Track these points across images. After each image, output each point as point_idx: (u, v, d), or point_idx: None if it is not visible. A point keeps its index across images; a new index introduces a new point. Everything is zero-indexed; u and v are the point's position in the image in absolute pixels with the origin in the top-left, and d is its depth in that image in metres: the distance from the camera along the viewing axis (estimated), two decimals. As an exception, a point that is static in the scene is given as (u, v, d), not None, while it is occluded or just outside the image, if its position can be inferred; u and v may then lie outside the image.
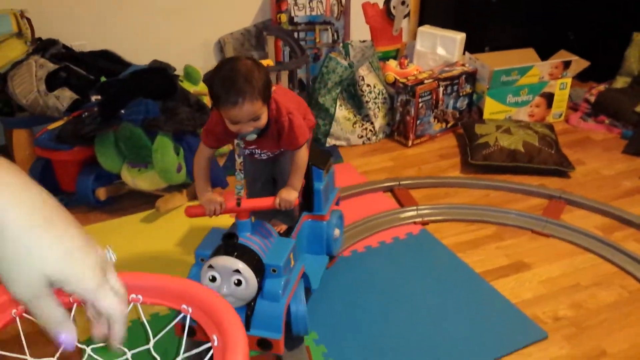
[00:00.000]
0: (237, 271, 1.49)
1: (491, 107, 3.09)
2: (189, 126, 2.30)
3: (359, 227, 2.34)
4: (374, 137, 3.08)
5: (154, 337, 0.86)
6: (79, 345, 0.99)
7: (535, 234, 2.34)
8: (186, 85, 2.54)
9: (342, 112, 2.99)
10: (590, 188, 2.66)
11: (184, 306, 0.83)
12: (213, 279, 1.50)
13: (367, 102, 3.00)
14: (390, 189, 2.64)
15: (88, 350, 0.91)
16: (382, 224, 2.37)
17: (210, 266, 1.51)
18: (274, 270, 1.58)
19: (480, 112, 3.13)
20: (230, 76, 1.44)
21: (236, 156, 1.63)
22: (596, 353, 1.78)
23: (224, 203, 1.61)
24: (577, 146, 3.04)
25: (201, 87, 2.67)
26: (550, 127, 2.97)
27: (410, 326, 1.86)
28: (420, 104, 2.95)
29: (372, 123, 3.05)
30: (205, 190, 1.66)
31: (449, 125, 3.15)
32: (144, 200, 2.48)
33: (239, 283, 1.50)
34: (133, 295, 0.90)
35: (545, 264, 2.17)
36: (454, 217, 2.44)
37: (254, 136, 1.57)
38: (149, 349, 0.86)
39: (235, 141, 1.62)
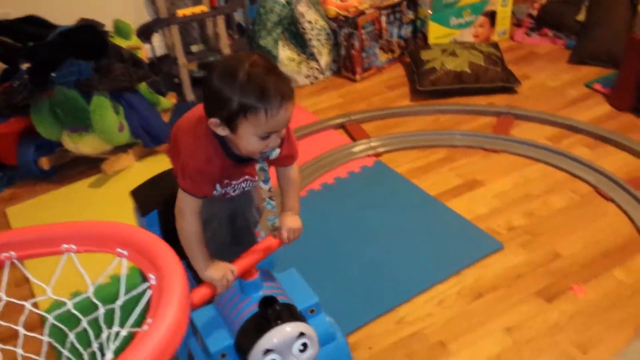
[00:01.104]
0: (301, 334, 1.15)
1: (435, 32, 3.07)
2: (125, 82, 2.23)
3: (313, 165, 2.33)
4: (321, 76, 3.03)
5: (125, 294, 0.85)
6: (41, 313, 0.98)
7: (486, 152, 2.37)
8: (117, 41, 2.45)
9: (285, 53, 2.93)
10: (537, 100, 2.69)
11: (119, 250, 0.81)
12: None
13: (309, 39, 2.94)
14: (342, 125, 2.62)
15: (50, 318, 0.90)
16: (337, 160, 2.36)
17: (268, 350, 1.13)
18: (312, 311, 1.27)
19: (425, 37, 3.10)
20: (260, 74, 1.06)
21: (261, 183, 1.23)
22: (551, 257, 1.84)
23: (236, 269, 1.20)
24: (523, 61, 3.05)
25: (134, 41, 2.57)
26: (495, 45, 2.97)
27: (373, 253, 1.89)
28: (364, 36, 2.90)
29: (317, 61, 3.00)
30: (206, 260, 1.19)
31: (396, 55, 3.12)
32: (89, 165, 2.42)
33: (304, 347, 1.16)
34: (65, 245, 0.88)
35: (497, 178, 2.20)
36: (406, 146, 2.44)
37: (278, 151, 1.18)
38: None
39: (258, 166, 1.21)
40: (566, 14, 3.14)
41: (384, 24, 2.97)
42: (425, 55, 2.85)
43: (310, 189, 2.22)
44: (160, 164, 2.42)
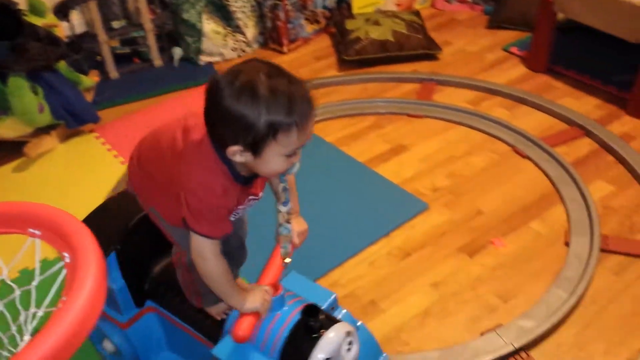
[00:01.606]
0: (347, 334, 1.09)
1: (359, 1, 3.10)
2: (42, 61, 2.15)
3: (243, 139, 2.34)
4: (248, 48, 3.02)
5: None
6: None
7: (410, 117, 2.44)
8: (32, 19, 2.34)
9: (210, 26, 2.89)
10: (458, 66, 2.79)
11: (31, 230, 0.81)
12: None
13: (234, 12, 2.91)
14: (271, 97, 2.63)
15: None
16: (266, 132, 2.37)
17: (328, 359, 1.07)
18: (332, 308, 1.21)
19: (350, 7, 3.13)
20: (282, 84, 0.91)
21: (280, 207, 1.13)
22: (473, 214, 1.94)
23: (268, 287, 1.12)
24: (444, 28, 3.13)
25: (50, 19, 2.47)
26: (417, 13, 3.03)
27: (307, 222, 1.93)
28: (289, 7, 2.90)
29: (243, 34, 2.98)
30: (239, 294, 1.08)
31: (322, 25, 3.13)
32: (11, 149, 2.32)
33: (350, 345, 1.10)
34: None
35: (421, 143, 2.29)
36: (335, 115, 2.48)
37: (298, 165, 1.04)
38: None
39: (281, 186, 1.11)
40: (483, -20, 3.24)
41: (307, -5, 2.98)
42: (350, 25, 2.89)
43: (241, 162, 2.23)
44: (85, 144, 2.37)
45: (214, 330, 1.22)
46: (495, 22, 3.06)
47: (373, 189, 2.07)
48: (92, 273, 0.73)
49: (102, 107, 2.57)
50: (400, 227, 1.90)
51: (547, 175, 2.05)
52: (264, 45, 3.08)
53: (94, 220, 1.27)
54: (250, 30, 3.00)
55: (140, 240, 1.30)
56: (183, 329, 1.31)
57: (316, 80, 2.73)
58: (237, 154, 0.93)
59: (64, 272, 0.77)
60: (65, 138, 2.39)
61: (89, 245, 0.78)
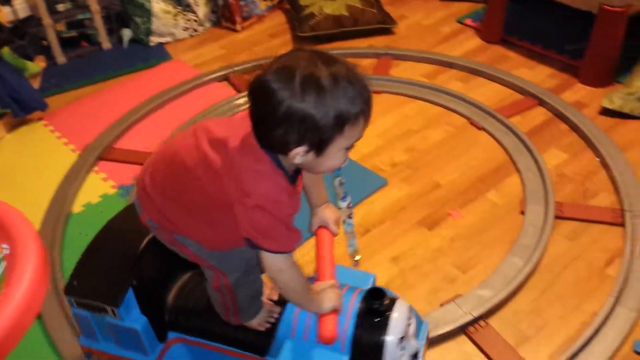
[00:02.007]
0: (409, 309, 1.10)
1: (312, -24, 3.05)
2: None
3: (198, 121, 2.29)
4: (200, 27, 2.95)
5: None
6: None
7: (368, 93, 2.43)
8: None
9: (160, 6, 2.81)
10: (413, 40, 2.78)
11: (-32, 223, 0.77)
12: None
13: (184, -9, 2.84)
14: (226, 77, 2.58)
15: None
16: (223, 114, 2.33)
17: (400, 339, 1.05)
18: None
19: (303, -17, 3.08)
20: (342, 71, 0.85)
21: (339, 202, 1.08)
22: (431, 187, 1.95)
23: (333, 282, 1.09)
24: (399, 2, 3.11)
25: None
26: (371, -13, 3.00)
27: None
28: (240, -16, 2.84)
29: (194, 12, 2.90)
30: (316, 295, 1.05)
31: (275, 2, 3.08)
32: (-45, 141, 2.24)
33: (409, 322, 1.09)
34: None
35: (379, 118, 2.28)
36: (291, 92, 2.45)
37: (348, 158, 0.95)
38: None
39: (338, 180, 1.07)
40: (436, -48, 3.22)
41: (259, -29, 2.91)
42: (303, 0, 2.84)
43: (197, 144, 2.19)
44: (34, 133, 2.29)
45: (260, 341, 1.16)
46: (449, -6, 3.06)
47: (331, 166, 2.06)
48: (32, 265, 0.70)
49: (49, 93, 2.49)
50: (361, 204, 1.89)
51: (502, 145, 2.07)
52: (216, 23, 3.02)
53: (102, 250, 1.19)
54: (202, 9, 2.93)
55: (152, 269, 1.20)
56: (221, 351, 1.20)
57: (272, 58, 2.67)
58: (299, 155, 0.86)
59: (4, 264, 0.74)
60: (12, 127, 2.31)
61: (28, 236, 0.75)
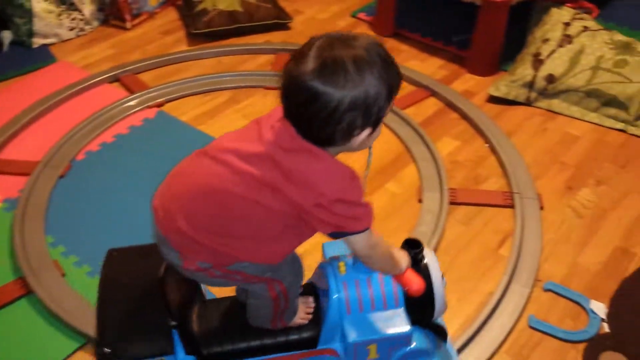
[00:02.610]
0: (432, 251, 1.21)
1: (203, -28, 2.98)
2: None
3: (89, 125, 2.17)
4: (87, 27, 2.80)
5: None
6: None
7: (267, 90, 2.42)
8: None
9: (41, 5, 2.64)
10: (310, 34, 2.72)
11: None
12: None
13: (67, -12, 2.68)
14: (117, 78, 2.47)
15: None
16: (114, 116, 2.23)
17: (442, 275, 1.15)
18: None
19: (194, -22, 3.00)
20: (374, 41, 0.87)
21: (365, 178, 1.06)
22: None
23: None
24: (294, -4, 3.12)
25: None
26: (265, -18, 2.98)
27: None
28: (127, -20, 2.72)
29: (80, 11, 2.75)
30: (398, 258, 1.08)
31: (167, -2, 2.99)
32: None
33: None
34: None
35: (279, 114, 2.27)
36: (188, 92, 2.39)
37: None
38: None
39: (370, 158, 1.06)
40: (328, -54, 3.25)
41: (147, -34, 2.81)
42: (196, -4, 2.78)
43: (88, 150, 2.08)
44: None
45: (309, 333, 1.15)
46: (343, -12, 3.10)
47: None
48: None
49: None
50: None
51: (399, 137, 2.13)
52: (104, 22, 2.88)
53: (120, 300, 1.08)
54: (88, 7, 2.78)
55: (179, 306, 1.12)
56: None
57: (166, 57, 2.60)
58: (363, 137, 0.87)
59: None
60: None
61: None
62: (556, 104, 2.21)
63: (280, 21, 2.79)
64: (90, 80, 2.42)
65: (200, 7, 2.71)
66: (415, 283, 1.09)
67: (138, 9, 2.84)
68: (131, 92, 2.37)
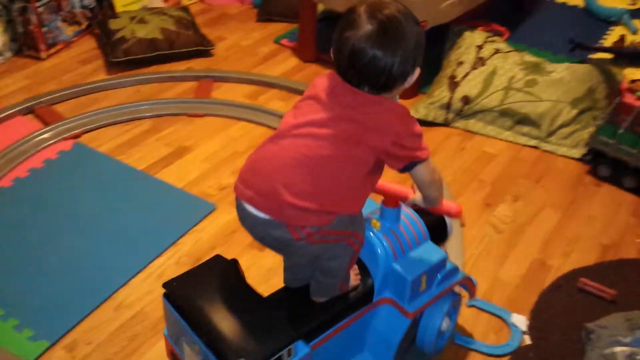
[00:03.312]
0: None
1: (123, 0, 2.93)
2: None
3: (0, 160, 2.07)
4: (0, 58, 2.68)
5: None
6: None
7: (190, 117, 2.38)
8: None
9: (-55, 35, 2.51)
10: (233, 61, 2.78)
11: None
12: None
13: (-26, 17, 2.56)
14: (30, 110, 2.37)
15: None
16: (28, 150, 2.13)
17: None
18: None
19: (112, 6, 2.94)
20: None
21: None
22: (259, 207, 1.95)
23: None
24: (216, 23, 3.11)
25: None
26: (186, 9, 2.96)
27: (83, 241, 1.78)
28: (41, 9, 2.63)
29: (-11, 41, 2.63)
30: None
31: (83, 26, 2.90)
32: None
33: None
34: None
35: (204, 142, 2.24)
36: (107, 122, 2.32)
37: None
38: None
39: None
40: (248, -26, 3.28)
41: (61, -6, 2.73)
42: (114, 24, 2.71)
43: (0, 187, 1.97)
44: None
45: (365, 290, 1.25)
46: (264, 15, 3.12)
47: (155, 197, 1.98)
48: None
49: None
50: (189, 233, 1.84)
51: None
52: (18, 52, 2.76)
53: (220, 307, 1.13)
54: (0, 38, 2.66)
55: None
56: (346, 325, 1.25)
57: (83, 86, 2.52)
58: (415, 76, 1.04)
59: None
60: None
61: None
62: (472, 123, 2.30)
63: (202, 48, 2.77)
64: (3, 112, 2.31)
65: (119, 35, 2.65)
66: (454, 206, 1.25)
67: (53, 38, 2.75)
68: (46, 123, 2.27)
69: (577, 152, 2.15)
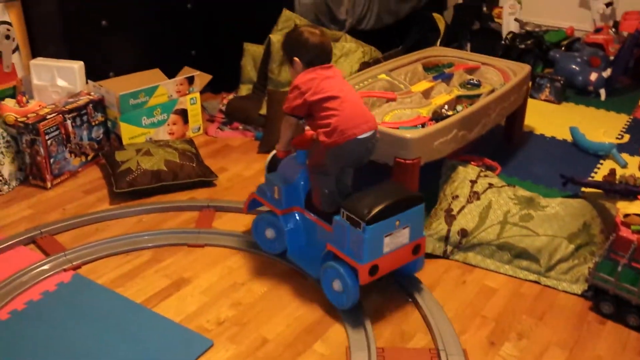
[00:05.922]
0: None
1: (128, 132, 3.05)
2: None
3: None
4: (5, 187, 2.74)
5: None
6: None
7: (190, 247, 2.39)
8: None
9: (-45, 166, 2.58)
10: (235, 191, 2.85)
11: None
12: None
13: (-15, 149, 2.65)
14: (32, 240, 2.38)
15: None
16: (26, 282, 2.12)
17: None
18: None
19: (119, 138, 3.06)
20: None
21: None
22: (258, 343, 1.91)
23: None
24: (219, 154, 3.22)
25: None
26: (190, 141, 3.08)
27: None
28: (49, 141, 2.73)
29: (-2, 171, 2.70)
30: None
31: (90, 157, 3.00)
32: None
33: None
34: None
35: (203, 273, 2.24)
36: (107, 253, 2.32)
37: None
38: None
39: None
40: (250, 108, 3.45)
41: (70, 128, 2.84)
42: (119, 156, 2.81)
43: (-5, 320, 1.93)
44: None
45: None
46: (265, 147, 3.23)
47: (151, 332, 1.93)
48: None
49: None
50: (184, 371, 1.78)
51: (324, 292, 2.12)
52: (24, 181, 2.83)
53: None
54: (7, 167, 2.74)
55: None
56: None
57: (86, 216, 2.55)
58: None
59: None
60: None
61: None
62: (471, 256, 2.32)
63: (205, 179, 2.85)
64: (4, 243, 2.32)
65: (125, 166, 2.73)
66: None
67: (60, 168, 2.83)
68: (47, 254, 2.28)
69: (578, 288, 2.15)
